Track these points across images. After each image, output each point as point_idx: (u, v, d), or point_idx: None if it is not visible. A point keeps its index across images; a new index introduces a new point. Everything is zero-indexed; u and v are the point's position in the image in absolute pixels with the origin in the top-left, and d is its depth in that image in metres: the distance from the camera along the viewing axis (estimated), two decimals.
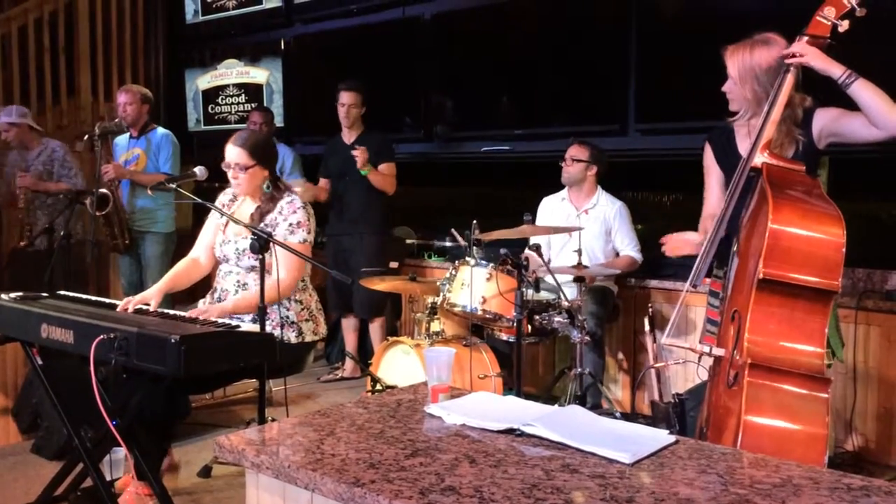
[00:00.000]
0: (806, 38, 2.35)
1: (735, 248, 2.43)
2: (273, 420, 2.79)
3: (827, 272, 2.08)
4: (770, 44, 2.45)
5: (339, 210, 4.90)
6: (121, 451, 2.81)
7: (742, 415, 2.05)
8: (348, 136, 4.88)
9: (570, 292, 3.82)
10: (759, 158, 2.31)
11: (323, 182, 5.01)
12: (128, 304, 2.89)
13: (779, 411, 2.06)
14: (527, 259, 3.40)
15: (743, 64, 2.47)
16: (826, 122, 2.45)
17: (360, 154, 4.59)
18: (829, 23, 2.32)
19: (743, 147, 2.52)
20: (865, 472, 3.17)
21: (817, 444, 2.03)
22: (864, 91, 2.29)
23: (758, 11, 3.76)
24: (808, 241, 2.10)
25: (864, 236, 4.39)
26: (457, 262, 3.77)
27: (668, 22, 4.23)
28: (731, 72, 2.53)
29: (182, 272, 3.23)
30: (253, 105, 6.20)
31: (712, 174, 2.71)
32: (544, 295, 3.76)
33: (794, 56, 2.35)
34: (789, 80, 2.37)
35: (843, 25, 2.31)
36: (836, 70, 2.32)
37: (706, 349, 2.36)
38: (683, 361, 3.80)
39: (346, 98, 4.79)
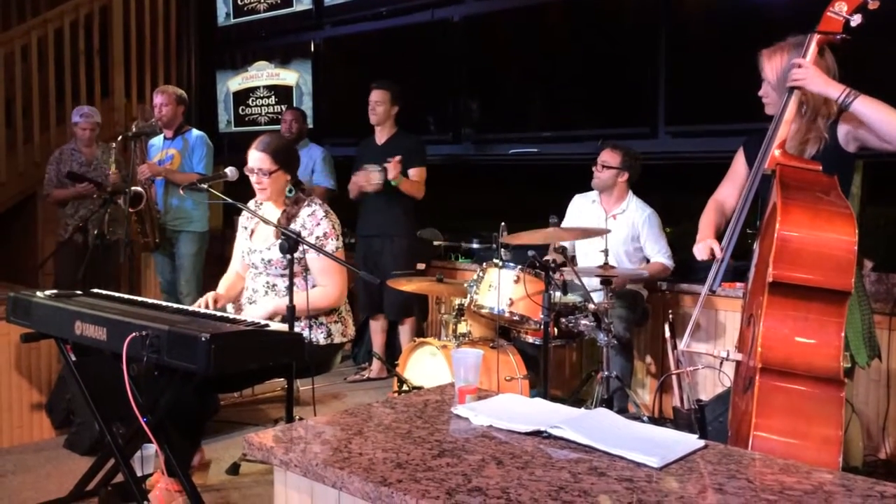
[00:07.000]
0: (817, 36, 2.31)
1: (755, 250, 2.39)
2: (301, 419, 2.82)
3: (839, 273, 2.04)
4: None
5: (370, 211, 4.89)
6: (151, 448, 2.84)
7: (752, 419, 2.02)
8: (379, 137, 4.88)
9: (597, 295, 3.80)
10: (773, 158, 2.28)
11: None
12: (205, 301, 3.10)
13: (789, 415, 2.02)
14: (561, 250, 3.39)
15: (781, 67, 2.43)
16: (850, 126, 2.40)
17: (392, 167, 4.57)
18: (842, 18, 2.29)
19: None
20: None
21: (831, 447, 1.99)
22: (864, 109, 2.25)
23: (786, 13, 3.71)
24: (818, 243, 2.06)
25: None
26: (484, 263, 3.77)
27: (698, 23, 4.20)
28: (767, 75, 2.49)
29: (231, 281, 3.34)
30: (284, 107, 6.25)
31: (737, 164, 2.71)
32: (571, 298, 3.74)
33: (795, 80, 2.32)
34: None
35: (856, 20, 2.27)
36: (833, 91, 2.28)
37: (723, 354, 2.33)
38: (704, 367, 3.75)
39: (372, 95, 4.80)
